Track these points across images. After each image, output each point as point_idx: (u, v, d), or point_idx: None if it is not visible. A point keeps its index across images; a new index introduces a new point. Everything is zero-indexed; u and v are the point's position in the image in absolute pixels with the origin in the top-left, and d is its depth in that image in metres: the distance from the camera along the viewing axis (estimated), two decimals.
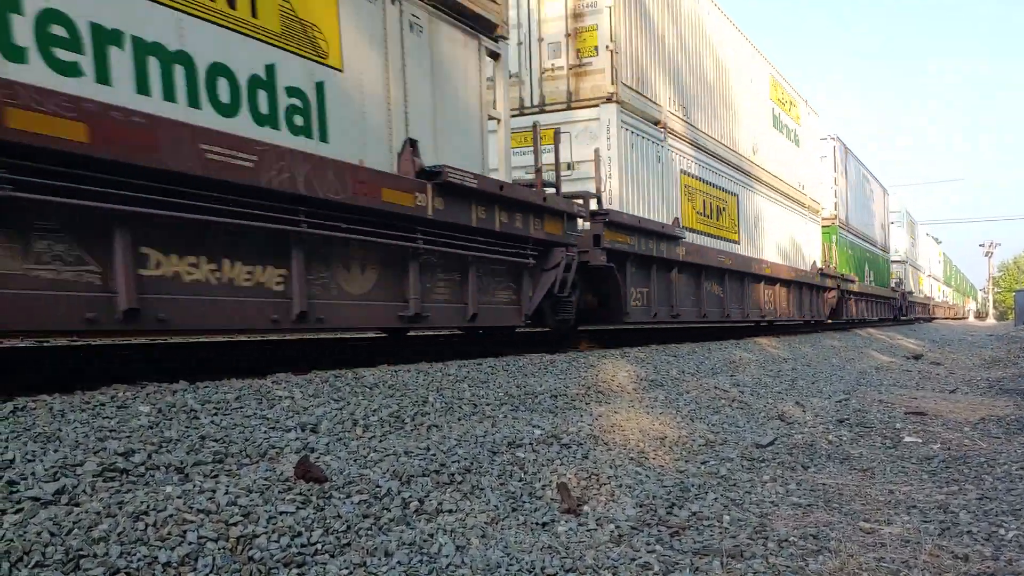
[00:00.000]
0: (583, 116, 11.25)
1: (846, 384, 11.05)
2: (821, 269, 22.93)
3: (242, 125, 5.38)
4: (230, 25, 5.33)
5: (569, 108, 11.35)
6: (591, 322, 11.67)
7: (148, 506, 3.14)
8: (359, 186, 6.03)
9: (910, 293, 39.42)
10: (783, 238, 19.78)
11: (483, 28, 8.26)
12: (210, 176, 4.90)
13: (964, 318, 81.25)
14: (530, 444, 5.09)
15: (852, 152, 28.84)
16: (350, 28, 6.36)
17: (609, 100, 11.09)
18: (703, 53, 14.61)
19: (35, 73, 4.19)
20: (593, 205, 10.11)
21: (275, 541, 3.20)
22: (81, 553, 2.77)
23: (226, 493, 3.41)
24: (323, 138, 6.07)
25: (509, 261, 8.28)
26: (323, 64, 6.09)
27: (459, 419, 5.55)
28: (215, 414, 4.43)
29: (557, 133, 9.66)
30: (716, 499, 4.65)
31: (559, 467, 4.80)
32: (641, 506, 4.38)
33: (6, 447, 3.42)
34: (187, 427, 4.15)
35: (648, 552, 3.69)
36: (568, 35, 11.35)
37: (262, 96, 5.56)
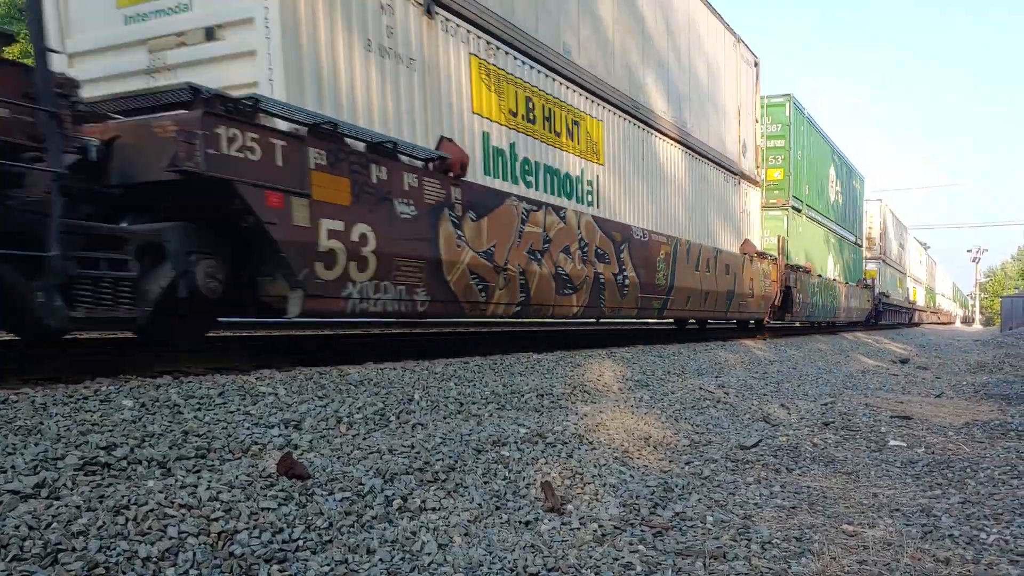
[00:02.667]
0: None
1: (832, 387, 11.09)
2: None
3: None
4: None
5: None
6: None
7: (129, 500, 3.12)
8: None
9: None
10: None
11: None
12: None
13: (951, 323, 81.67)
14: (515, 443, 5.08)
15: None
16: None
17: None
18: None
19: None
20: None
21: (256, 537, 3.19)
22: (60, 547, 2.75)
23: (208, 488, 3.40)
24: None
25: None
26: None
27: (444, 417, 5.54)
28: (198, 409, 4.41)
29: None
30: (700, 500, 4.66)
31: (543, 466, 4.79)
32: (624, 506, 4.37)
33: None
34: (170, 422, 4.13)
35: (631, 552, 3.68)
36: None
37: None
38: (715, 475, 5.30)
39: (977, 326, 79.53)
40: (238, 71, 6.36)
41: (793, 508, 4.61)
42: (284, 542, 3.24)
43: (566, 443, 5.31)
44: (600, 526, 4.01)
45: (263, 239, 5.86)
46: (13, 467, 3.25)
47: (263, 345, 8.99)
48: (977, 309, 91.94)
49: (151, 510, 3.10)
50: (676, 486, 4.87)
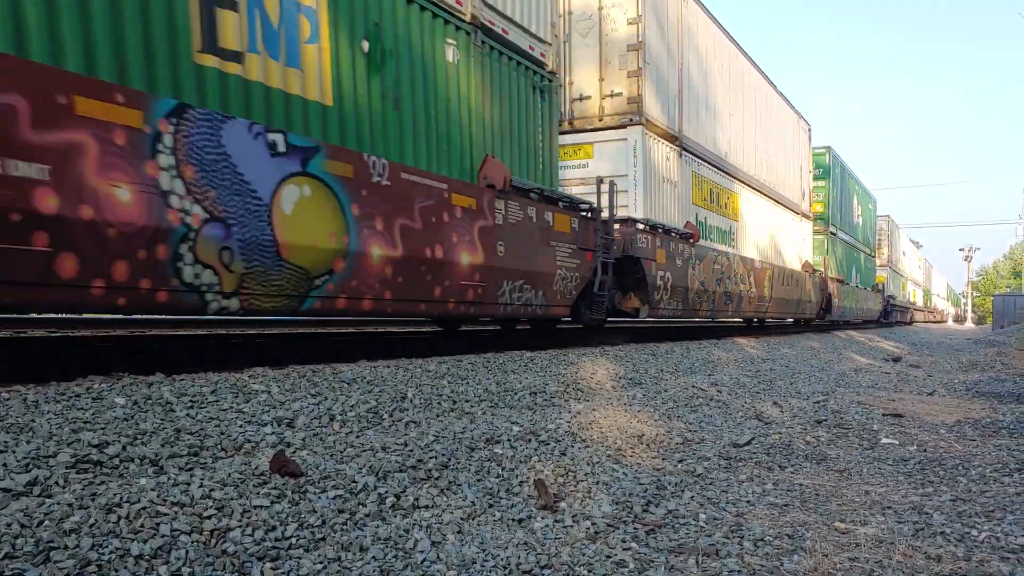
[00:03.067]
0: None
1: (825, 385, 11.12)
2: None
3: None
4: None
5: None
6: None
7: (121, 498, 3.11)
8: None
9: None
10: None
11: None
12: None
13: (943, 321, 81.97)
14: (508, 440, 5.09)
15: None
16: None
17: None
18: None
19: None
20: None
21: (249, 535, 3.18)
22: (52, 545, 2.74)
23: (200, 486, 3.39)
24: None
25: None
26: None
27: (438, 415, 5.54)
28: (191, 407, 4.40)
29: None
30: (692, 497, 4.67)
31: (537, 464, 4.80)
32: (617, 503, 4.38)
33: None
34: (162, 420, 4.12)
35: (624, 550, 3.69)
36: None
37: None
38: (708, 473, 5.32)
39: (969, 324, 79.78)
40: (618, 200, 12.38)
41: (785, 506, 4.62)
42: (277, 540, 3.23)
43: (559, 441, 5.32)
44: (593, 524, 4.01)
45: (640, 281, 12.41)
46: (5, 465, 3.24)
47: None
48: (969, 307, 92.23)
49: (143, 508, 3.09)
50: (669, 484, 4.88)
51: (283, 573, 3.05)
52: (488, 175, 8.78)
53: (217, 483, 3.47)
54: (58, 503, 3.00)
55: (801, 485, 5.12)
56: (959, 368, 15.77)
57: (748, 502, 4.68)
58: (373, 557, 3.29)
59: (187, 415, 4.27)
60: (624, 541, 3.82)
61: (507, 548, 3.57)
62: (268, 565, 3.06)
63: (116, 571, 2.74)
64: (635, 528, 4.04)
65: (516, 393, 6.63)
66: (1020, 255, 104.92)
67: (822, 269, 26.44)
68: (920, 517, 4.36)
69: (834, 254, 28.76)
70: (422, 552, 3.42)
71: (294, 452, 4.13)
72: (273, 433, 4.34)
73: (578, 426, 5.75)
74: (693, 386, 8.65)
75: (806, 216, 25.06)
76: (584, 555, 3.58)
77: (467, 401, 6.02)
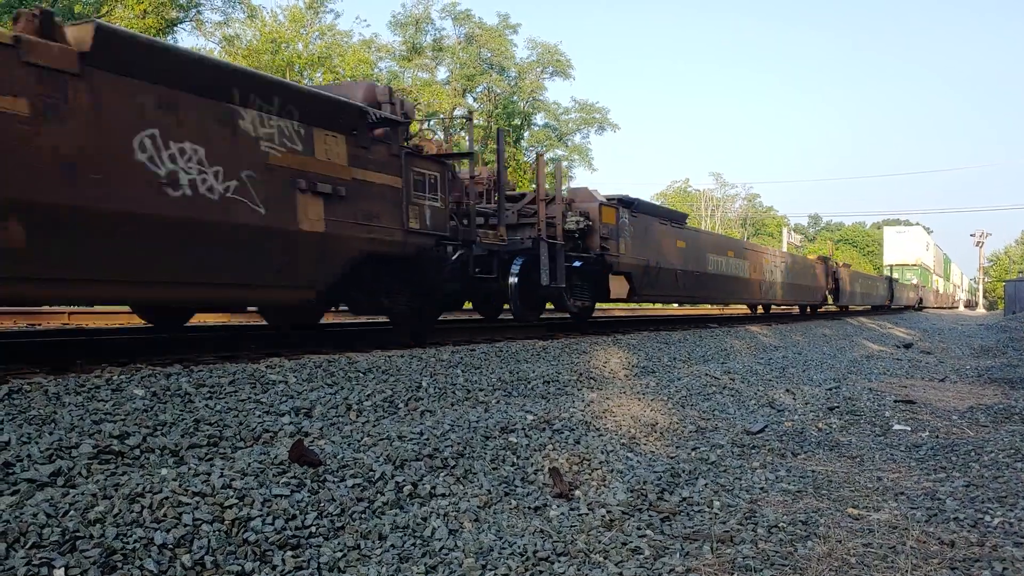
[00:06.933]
0: None
1: (837, 372, 11.12)
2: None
3: None
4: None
5: None
6: None
7: (144, 488, 3.16)
8: None
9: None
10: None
11: None
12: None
13: (955, 307, 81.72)
14: (523, 429, 5.12)
15: None
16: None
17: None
18: None
19: None
20: None
21: (270, 524, 3.23)
22: (77, 534, 2.79)
23: (221, 476, 3.44)
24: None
25: None
26: None
27: (452, 404, 5.58)
28: (209, 398, 4.45)
29: None
30: (706, 485, 4.69)
31: (551, 452, 4.83)
32: (632, 491, 4.41)
33: (1, 429, 3.44)
34: (182, 410, 4.17)
35: (639, 537, 3.72)
36: None
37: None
38: (721, 460, 5.34)
39: (980, 310, 79.44)
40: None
41: (799, 492, 4.65)
42: (297, 528, 3.28)
43: (573, 429, 5.35)
44: (608, 511, 4.04)
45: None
46: (29, 456, 3.29)
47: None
48: (980, 293, 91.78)
49: (166, 498, 3.14)
50: (683, 471, 4.91)
51: (303, 561, 3.09)
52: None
53: (237, 473, 3.52)
54: (82, 493, 3.05)
55: (814, 472, 5.14)
56: (971, 354, 15.73)
57: (761, 489, 4.70)
58: (392, 545, 3.33)
59: (205, 406, 4.32)
60: (639, 528, 3.85)
61: (523, 535, 3.61)
62: (289, 553, 3.11)
63: (140, 560, 2.79)
64: (650, 515, 4.07)
65: (530, 382, 6.67)
66: None
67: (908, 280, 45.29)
68: (933, 503, 4.38)
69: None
70: (440, 540, 3.46)
71: (312, 441, 4.18)
72: (291, 423, 4.39)
73: (592, 415, 5.78)
74: (706, 374, 8.67)
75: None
76: (600, 542, 3.62)
77: (481, 390, 6.06)
